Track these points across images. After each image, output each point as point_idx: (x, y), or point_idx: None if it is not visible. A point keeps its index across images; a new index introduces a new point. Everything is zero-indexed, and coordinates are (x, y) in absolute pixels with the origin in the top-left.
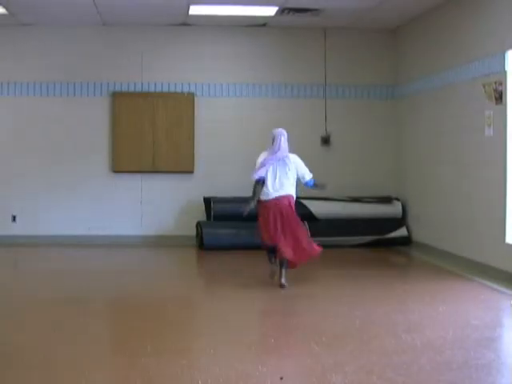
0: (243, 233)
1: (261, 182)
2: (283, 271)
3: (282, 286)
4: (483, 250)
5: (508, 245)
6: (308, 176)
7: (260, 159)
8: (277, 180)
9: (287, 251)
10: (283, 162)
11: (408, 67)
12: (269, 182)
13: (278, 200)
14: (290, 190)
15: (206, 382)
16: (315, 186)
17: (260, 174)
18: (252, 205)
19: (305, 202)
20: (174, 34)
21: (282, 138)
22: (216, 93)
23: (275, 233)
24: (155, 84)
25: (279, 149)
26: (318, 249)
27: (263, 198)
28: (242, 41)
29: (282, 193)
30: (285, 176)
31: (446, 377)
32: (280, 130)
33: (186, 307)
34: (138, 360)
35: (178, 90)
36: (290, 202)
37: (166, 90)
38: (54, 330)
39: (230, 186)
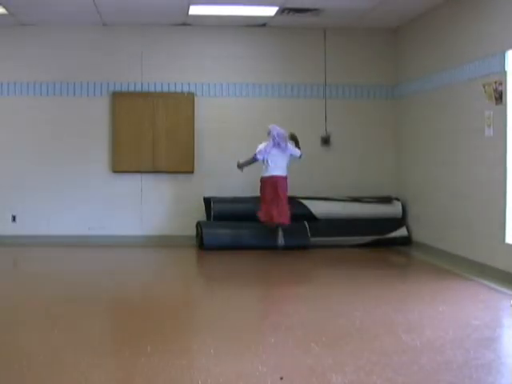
0: (243, 233)
1: (258, 161)
2: (280, 232)
3: (279, 244)
4: (483, 250)
5: (508, 245)
6: (296, 153)
7: (262, 146)
8: (275, 163)
9: (281, 218)
10: (282, 150)
11: (408, 67)
12: (269, 164)
13: (276, 177)
14: (284, 171)
15: (206, 382)
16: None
17: (263, 156)
18: (243, 165)
19: (305, 202)
20: (174, 33)
21: (276, 132)
22: (216, 93)
23: (271, 204)
24: (155, 84)
25: (280, 140)
26: (287, 222)
27: (265, 174)
28: (242, 41)
29: (279, 173)
30: (281, 160)
31: (446, 377)
32: (272, 126)
33: (185, 307)
34: (138, 360)
35: (178, 90)
36: (283, 181)
37: (166, 90)
38: (53, 329)
39: (230, 186)
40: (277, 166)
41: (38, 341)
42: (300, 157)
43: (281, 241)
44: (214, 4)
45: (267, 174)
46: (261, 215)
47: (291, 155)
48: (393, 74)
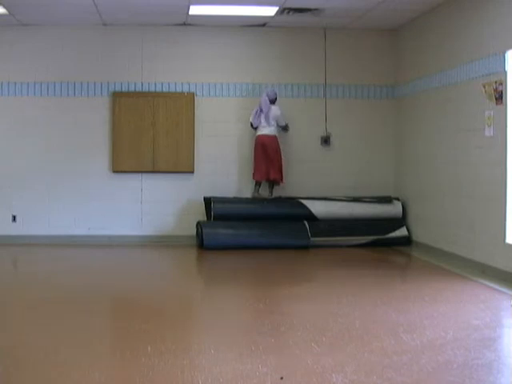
0: (243, 233)
1: (253, 125)
2: (272, 190)
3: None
4: (483, 250)
5: (508, 245)
6: (280, 123)
7: (253, 111)
8: (262, 125)
9: (274, 175)
10: (267, 112)
11: (408, 67)
12: (258, 125)
13: (262, 137)
14: (272, 131)
15: (206, 382)
16: (285, 128)
17: (251, 121)
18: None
19: (305, 201)
20: (174, 33)
21: (263, 99)
22: (216, 93)
23: (264, 162)
24: (155, 84)
25: (263, 106)
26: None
27: (255, 134)
28: (242, 41)
29: (265, 132)
30: (267, 121)
31: (446, 377)
32: (263, 94)
33: (186, 307)
34: (138, 360)
35: (178, 89)
36: (270, 140)
37: (166, 89)
38: (53, 329)
39: (230, 186)
40: (264, 127)
41: (38, 341)
42: (284, 128)
43: (269, 194)
44: (213, 4)
45: (256, 134)
46: (256, 175)
47: (277, 119)
48: (393, 74)
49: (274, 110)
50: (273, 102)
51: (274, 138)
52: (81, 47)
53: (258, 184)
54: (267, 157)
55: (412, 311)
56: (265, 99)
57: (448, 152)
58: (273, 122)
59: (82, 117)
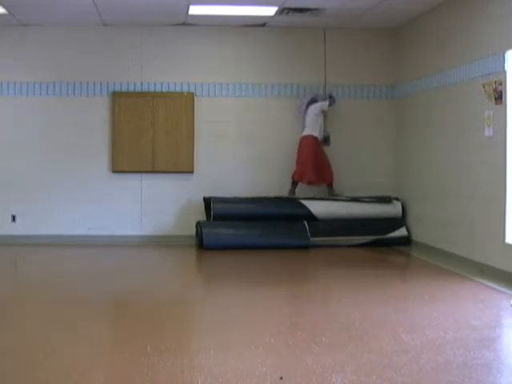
0: (243, 233)
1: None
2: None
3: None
4: (483, 249)
5: (508, 245)
6: (324, 108)
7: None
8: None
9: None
10: (304, 116)
11: (408, 67)
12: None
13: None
14: (308, 130)
15: (206, 382)
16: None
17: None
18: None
19: (304, 202)
20: (174, 33)
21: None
22: (216, 93)
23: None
24: (155, 84)
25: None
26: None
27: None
28: (242, 41)
29: (303, 133)
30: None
31: (446, 377)
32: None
33: (185, 307)
34: (138, 360)
35: (178, 89)
36: (303, 140)
37: (165, 90)
38: (53, 329)
39: (230, 186)
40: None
41: (38, 341)
42: (330, 104)
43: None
44: (214, 4)
45: None
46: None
47: (316, 113)
48: (392, 74)
49: (311, 109)
50: (313, 101)
51: (305, 139)
52: (81, 47)
53: (293, 184)
54: (299, 158)
55: (412, 311)
56: (301, 104)
57: (448, 152)
58: (309, 124)
59: (81, 117)
